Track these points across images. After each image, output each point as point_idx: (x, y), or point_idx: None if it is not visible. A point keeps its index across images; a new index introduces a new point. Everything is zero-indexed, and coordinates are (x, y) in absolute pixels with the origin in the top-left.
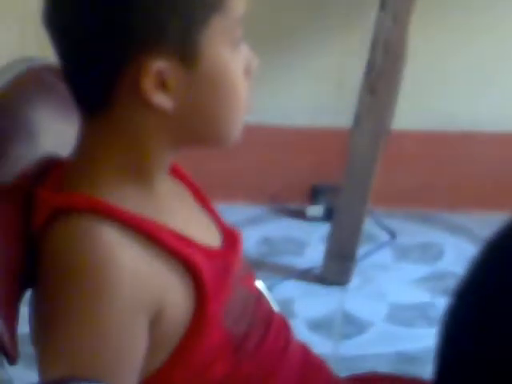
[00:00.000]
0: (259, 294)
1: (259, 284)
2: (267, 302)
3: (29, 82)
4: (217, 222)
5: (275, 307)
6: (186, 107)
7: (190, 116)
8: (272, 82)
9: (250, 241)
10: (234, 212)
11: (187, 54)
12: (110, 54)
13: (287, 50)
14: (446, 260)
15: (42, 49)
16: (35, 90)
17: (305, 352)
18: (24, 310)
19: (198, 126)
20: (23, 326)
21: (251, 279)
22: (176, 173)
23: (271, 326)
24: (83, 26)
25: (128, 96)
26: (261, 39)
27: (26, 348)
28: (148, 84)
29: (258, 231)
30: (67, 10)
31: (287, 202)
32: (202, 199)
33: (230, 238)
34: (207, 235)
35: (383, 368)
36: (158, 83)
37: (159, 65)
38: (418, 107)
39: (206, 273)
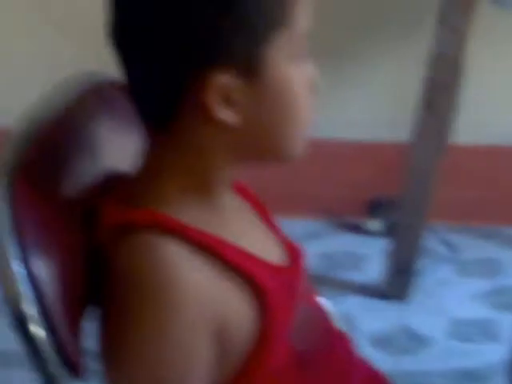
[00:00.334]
0: (322, 310)
1: (323, 300)
2: (330, 319)
3: (91, 97)
4: (280, 238)
5: (338, 323)
6: (249, 122)
7: (253, 131)
8: (330, 96)
9: (310, 256)
10: (292, 226)
11: (251, 68)
12: (174, 69)
13: (345, 63)
14: (507, 275)
15: (104, 64)
16: (97, 106)
17: (368, 368)
18: (90, 325)
19: (260, 140)
20: (90, 342)
21: (314, 295)
22: (239, 189)
23: (335, 343)
24: (149, 41)
25: (192, 111)
26: (318, 54)
27: (92, 363)
28: (212, 99)
29: (318, 246)
30: (132, 26)
31: (346, 216)
32: (265, 215)
33: (294, 254)
34: (271, 252)
35: None
36: (222, 98)
37: (223, 80)
38: (477, 121)
39: (271, 290)
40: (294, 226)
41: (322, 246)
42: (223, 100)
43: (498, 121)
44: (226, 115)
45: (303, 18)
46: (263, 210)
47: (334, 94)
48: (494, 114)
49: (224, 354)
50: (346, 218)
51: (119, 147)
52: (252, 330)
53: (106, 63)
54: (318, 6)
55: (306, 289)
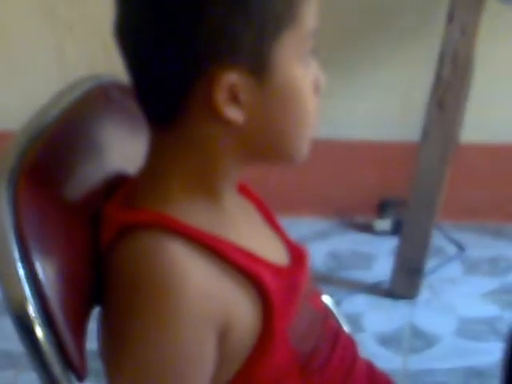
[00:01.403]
0: (326, 311)
1: (327, 300)
2: (334, 319)
3: (97, 99)
4: (284, 239)
5: (343, 323)
6: (256, 121)
7: (260, 130)
8: (338, 96)
9: (318, 255)
10: (300, 226)
11: (259, 67)
12: (182, 67)
13: (354, 63)
14: None
15: (110, 68)
16: (103, 107)
17: (370, 370)
18: (92, 326)
19: (266, 140)
20: (92, 342)
21: (318, 296)
22: (243, 190)
23: (338, 344)
24: (155, 40)
25: (199, 109)
26: (326, 53)
27: (95, 363)
28: (220, 97)
29: (326, 245)
30: (138, 24)
31: (354, 215)
32: (269, 216)
33: (298, 255)
34: (274, 252)
35: (452, 383)
36: (230, 96)
37: (231, 78)
38: (486, 119)
39: (273, 290)
40: (303, 226)
41: (330, 245)
42: (231, 98)
43: (507, 119)
44: (233, 114)
45: (311, 17)
46: (266, 211)
47: (344, 94)
48: (503, 112)
49: (227, 354)
50: (355, 217)
51: (126, 149)
52: (254, 329)
53: (113, 65)
54: (327, 5)
55: (310, 290)
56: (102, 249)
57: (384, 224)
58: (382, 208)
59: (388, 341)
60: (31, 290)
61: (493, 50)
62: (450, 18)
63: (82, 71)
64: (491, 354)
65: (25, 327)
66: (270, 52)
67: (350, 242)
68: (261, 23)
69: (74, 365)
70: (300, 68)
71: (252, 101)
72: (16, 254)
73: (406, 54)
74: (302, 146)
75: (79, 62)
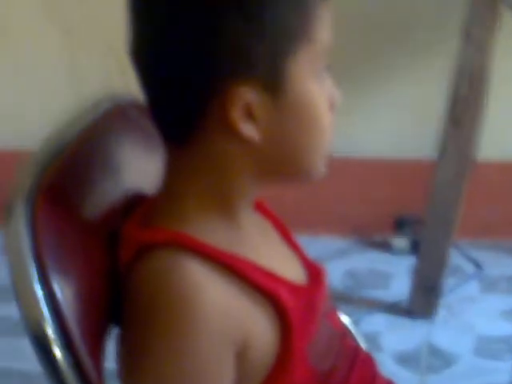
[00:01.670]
0: (344, 329)
1: (345, 319)
2: (353, 338)
3: (115, 118)
4: (301, 257)
5: (361, 342)
6: (271, 138)
7: (276, 147)
8: (354, 113)
9: (336, 274)
10: (318, 244)
11: (274, 84)
12: (198, 85)
13: (369, 80)
14: None
15: (125, 84)
16: (121, 127)
17: None
18: (110, 346)
19: (282, 157)
20: (111, 362)
21: (336, 314)
22: (260, 208)
23: (356, 363)
24: (170, 58)
25: (215, 127)
26: (342, 70)
27: (113, 383)
28: (236, 114)
29: (343, 264)
30: (152, 42)
31: (372, 234)
32: (286, 234)
33: (315, 273)
34: (292, 270)
35: None
36: (246, 113)
37: (247, 95)
38: (502, 136)
39: (292, 308)
40: (320, 244)
41: (348, 263)
42: (246, 115)
43: None
44: (249, 131)
45: (325, 33)
46: (283, 229)
47: (360, 111)
48: None
49: (246, 372)
50: (372, 235)
51: (143, 168)
52: (273, 348)
53: (130, 85)
54: (342, 22)
55: (328, 308)
56: (120, 268)
57: (401, 242)
58: (400, 226)
59: (406, 360)
60: (49, 310)
61: (508, 67)
62: (466, 35)
63: (96, 87)
64: (510, 372)
65: (43, 347)
66: (285, 68)
67: (367, 260)
68: (275, 39)
69: None
70: (315, 84)
71: (267, 117)
72: (34, 274)
73: (420, 70)
74: (318, 162)
75: (94, 78)
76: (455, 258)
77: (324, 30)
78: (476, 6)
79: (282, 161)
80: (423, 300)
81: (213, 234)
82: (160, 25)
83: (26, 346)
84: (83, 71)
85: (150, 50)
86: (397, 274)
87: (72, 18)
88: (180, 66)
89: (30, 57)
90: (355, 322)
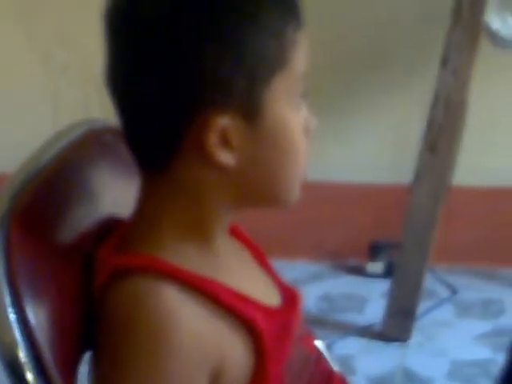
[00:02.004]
0: (318, 353)
1: (318, 343)
2: (327, 362)
3: (90, 143)
4: (276, 280)
5: (335, 366)
6: (247, 165)
7: (251, 174)
8: (332, 139)
9: (310, 297)
10: (293, 268)
11: (250, 111)
12: (174, 112)
13: (347, 107)
14: (507, 316)
15: (104, 111)
16: (96, 152)
17: None
18: (83, 370)
19: (258, 183)
20: None
21: (310, 338)
22: (235, 232)
23: None
24: (145, 87)
25: (190, 154)
26: (320, 98)
27: None
28: (212, 141)
29: (318, 288)
30: (128, 72)
31: (347, 258)
32: (261, 258)
33: (290, 296)
34: (266, 294)
35: None
36: (222, 140)
37: (223, 122)
38: (478, 163)
39: (266, 332)
40: (296, 268)
41: (323, 287)
42: (222, 142)
43: (499, 163)
44: (225, 158)
45: (301, 60)
46: (258, 252)
47: (336, 137)
48: (495, 155)
49: None
50: (347, 260)
51: (118, 193)
52: (247, 371)
53: (107, 111)
54: (321, 47)
55: (302, 331)
56: (94, 292)
57: (376, 267)
58: (375, 251)
59: (380, 383)
60: (22, 334)
61: (486, 94)
62: (444, 62)
63: (76, 114)
64: None
65: (15, 372)
66: (262, 95)
67: (342, 284)
68: (252, 67)
69: None
70: (291, 110)
71: (243, 144)
72: (7, 299)
73: (399, 97)
74: (293, 188)
75: (73, 105)
76: (430, 283)
77: (300, 57)
78: (454, 32)
79: (257, 186)
80: (398, 324)
81: (188, 259)
82: (134, 55)
83: None
84: (63, 96)
85: (125, 80)
86: (371, 298)
87: (52, 44)
88: (155, 93)
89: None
90: (329, 346)
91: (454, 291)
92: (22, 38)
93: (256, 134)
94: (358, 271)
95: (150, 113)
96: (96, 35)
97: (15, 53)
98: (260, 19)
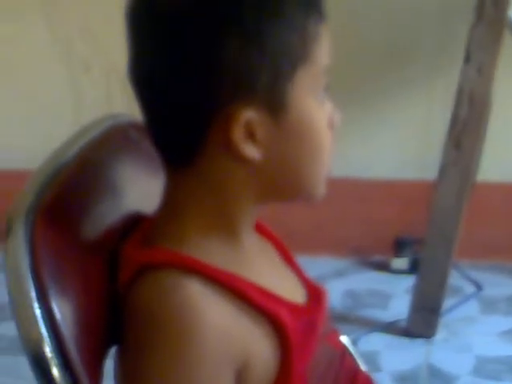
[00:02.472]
0: (344, 350)
1: (344, 339)
2: (352, 359)
3: (115, 138)
4: (301, 277)
5: (361, 363)
6: (272, 159)
7: (276, 167)
8: (357, 135)
9: (335, 294)
10: (317, 265)
11: (275, 104)
12: (199, 106)
13: (372, 102)
14: None
15: (127, 107)
16: (121, 147)
17: None
18: (109, 365)
19: (283, 177)
20: (109, 382)
21: (336, 335)
22: (260, 229)
23: (356, 383)
24: (169, 81)
25: (216, 147)
26: (346, 94)
27: None
28: (237, 135)
29: (343, 284)
30: (152, 66)
31: (371, 254)
32: (287, 255)
33: (315, 293)
34: (292, 291)
35: None
36: (247, 134)
37: (248, 115)
38: (503, 159)
39: (292, 329)
40: (321, 264)
41: (347, 284)
42: (247, 136)
43: None
44: (250, 151)
45: (324, 54)
46: (284, 249)
47: (361, 132)
48: None
49: None
50: (372, 256)
51: (143, 189)
52: (272, 367)
53: (131, 106)
54: (344, 43)
55: (328, 329)
56: (119, 288)
57: (401, 263)
58: (399, 247)
59: (405, 380)
60: (47, 330)
61: (510, 89)
62: (467, 58)
63: (98, 111)
64: None
65: (41, 367)
66: (286, 89)
67: (366, 280)
68: (276, 61)
69: None
70: (315, 105)
71: (268, 138)
72: (32, 294)
73: (422, 93)
74: (318, 182)
75: (96, 102)
76: (455, 279)
77: (323, 50)
78: (478, 28)
79: (282, 181)
80: (422, 320)
81: (213, 254)
82: (158, 48)
83: (23, 365)
84: (85, 92)
85: (149, 74)
86: (396, 294)
87: (74, 40)
88: (179, 88)
89: (33, 81)
90: (354, 342)
91: (478, 287)
92: (45, 35)
93: (281, 127)
94: (383, 267)
95: (174, 108)
96: (119, 31)
97: (38, 50)
98: (283, 13)
